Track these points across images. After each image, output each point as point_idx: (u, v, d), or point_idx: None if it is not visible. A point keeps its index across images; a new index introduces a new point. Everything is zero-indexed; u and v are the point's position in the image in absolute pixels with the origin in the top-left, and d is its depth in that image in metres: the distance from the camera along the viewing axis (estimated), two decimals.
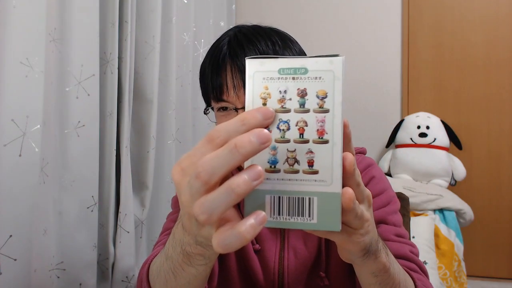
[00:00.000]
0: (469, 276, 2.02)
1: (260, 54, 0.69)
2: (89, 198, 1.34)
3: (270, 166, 0.38)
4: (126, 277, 1.49)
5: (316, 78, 0.38)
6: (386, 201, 0.76)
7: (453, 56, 2.40)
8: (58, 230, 1.25)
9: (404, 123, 2.31)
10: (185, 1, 1.93)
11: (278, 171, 0.38)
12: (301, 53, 0.75)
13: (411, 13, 2.46)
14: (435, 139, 2.21)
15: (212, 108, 0.76)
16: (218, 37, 0.77)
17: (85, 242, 1.33)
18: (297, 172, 0.38)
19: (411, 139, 2.24)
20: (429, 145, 2.21)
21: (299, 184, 0.38)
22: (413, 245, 0.73)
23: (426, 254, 1.79)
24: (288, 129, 0.38)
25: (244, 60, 0.68)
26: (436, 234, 1.90)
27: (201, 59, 2.13)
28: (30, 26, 1.06)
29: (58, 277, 1.24)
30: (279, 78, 0.39)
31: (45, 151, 1.15)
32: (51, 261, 1.20)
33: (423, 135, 2.22)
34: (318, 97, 0.38)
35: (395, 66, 2.48)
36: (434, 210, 1.97)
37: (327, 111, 0.38)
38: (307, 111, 0.38)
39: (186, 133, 1.94)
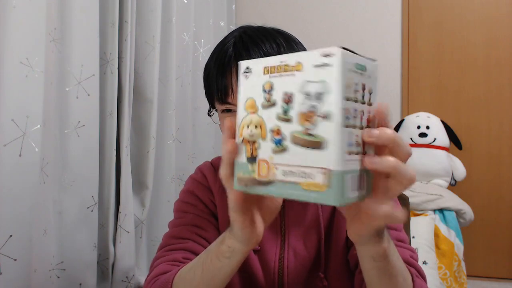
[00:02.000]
0: (469, 276, 2.02)
1: (265, 56, 0.69)
2: (89, 198, 1.34)
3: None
4: (126, 277, 1.49)
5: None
6: None
7: (453, 56, 2.40)
8: (58, 230, 1.25)
9: (404, 123, 2.31)
10: (185, 1, 1.93)
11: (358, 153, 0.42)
12: None
13: (411, 13, 2.46)
14: (435, 139, 2.21)
15: (216, 110, 0.76)
16: (218, 37, 0.77)
17: (85, 242, 1.33)
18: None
19: (411, 139, 2.24)
20: (429, 145, 2.21)
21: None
22: (413, 250, 0.74)
23: (426, 254, 1.79)
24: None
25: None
26: (436, 234, 1.90)
27: (201, 59, 2.14)
28: (30, 26, 1.06)
29: (58, 277, 1.24)
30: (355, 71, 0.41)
31: (45, 151, 1.15)
32: (51, 261, 1.20)
33: (423, 135, 2.22)
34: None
35: (395, 66, 2.48)
36: (434, 210, 1.97)
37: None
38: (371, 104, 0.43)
39: (186, 133, 1.94)
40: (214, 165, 0.86)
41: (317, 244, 0.77)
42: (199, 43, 2.10)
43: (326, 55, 0.40)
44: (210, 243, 0.69)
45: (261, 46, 0.70)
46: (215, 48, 0.76)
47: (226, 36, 0.76)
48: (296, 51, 0.72)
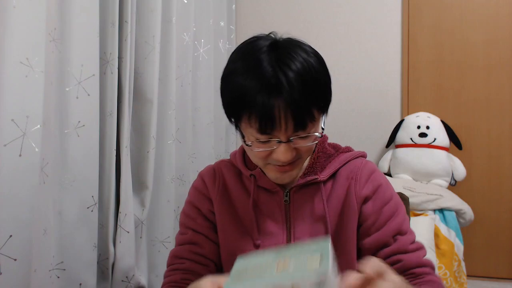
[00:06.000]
0: (469, 276, 2.02)
1: (306, 63, 0.66)
2: (89, 198, 1.34)
3: None
4: (126, 277, 1.49)
5: None
6: (395, 208, 0.79)
7: (453, 56, 2.40)
8: (58, 230, 1.25)
9: (404, 123, 2.31)
10: (185, 1, 1.93)
11: None
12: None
13: (411, 13, 2.46)
14: (435, 139, 2.21)
15: (237, 124, 0.70)
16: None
17: (85, 242, 1.33)
18: None
19: (411, 139, 2.24)
20: (429, 145, 2.21)
21: None
22: (422, 247, 0.79)
23: (426, 254, 1.79)
24: None
25: (300, 92, 0.62)
26: (436, 234, 1.90)
27: (201, 59, 2.14)
28: (30, 26, 1.06)
29: (58, 277, 1.24)
30: None
31: (45, 151, 1.15)
32: (51, 261, 1.20)
33: (423, 135, 2.22)
34: None
35: (395, 66, 2.48)
36: (434, 210, 1.97)
37: None
38: None
39: (186, 133, 1.94)
40: (216, 169, 0.86)
41: None
42: (199, 43, 2.10)
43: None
44: (207, 259, 0.82)
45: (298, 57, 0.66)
46: (241, 58, 0.68)
47: (253, 47, 0.68)
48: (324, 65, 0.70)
